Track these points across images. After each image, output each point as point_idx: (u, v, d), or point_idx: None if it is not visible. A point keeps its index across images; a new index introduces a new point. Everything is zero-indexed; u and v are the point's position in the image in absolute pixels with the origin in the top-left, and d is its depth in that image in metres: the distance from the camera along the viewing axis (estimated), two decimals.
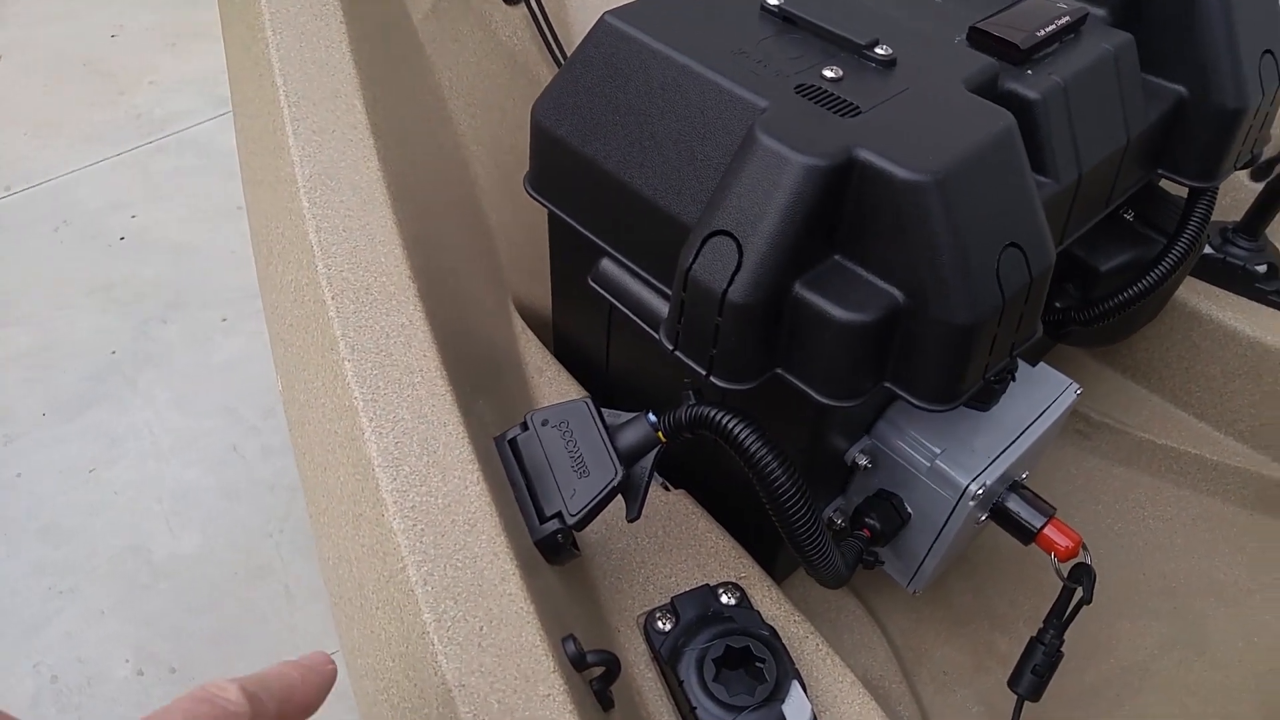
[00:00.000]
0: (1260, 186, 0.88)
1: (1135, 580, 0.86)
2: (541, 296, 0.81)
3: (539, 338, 0.77)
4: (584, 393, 0.72)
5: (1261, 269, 0.89)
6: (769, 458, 0.53)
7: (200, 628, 1.32)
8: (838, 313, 0.51)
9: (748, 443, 0.53)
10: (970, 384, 0.54)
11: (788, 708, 0.53)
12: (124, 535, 1.41)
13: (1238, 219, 0.91)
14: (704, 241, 0.51)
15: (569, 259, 0.72)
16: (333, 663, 0.38)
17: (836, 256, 0.53)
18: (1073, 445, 0.95)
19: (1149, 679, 0.80)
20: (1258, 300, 0.89)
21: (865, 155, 0.50)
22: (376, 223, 0.63)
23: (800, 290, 0.52)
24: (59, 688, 1.25)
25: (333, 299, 0.58)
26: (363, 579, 0.53)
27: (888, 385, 0.55)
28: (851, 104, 0.54)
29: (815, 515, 0.55)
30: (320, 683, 0.37)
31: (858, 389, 0.54)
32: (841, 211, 0.52)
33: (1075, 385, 0.69)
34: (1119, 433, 0.93)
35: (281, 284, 0.65)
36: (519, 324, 0.77)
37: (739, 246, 0.50)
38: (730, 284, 0.50)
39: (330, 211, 0.62)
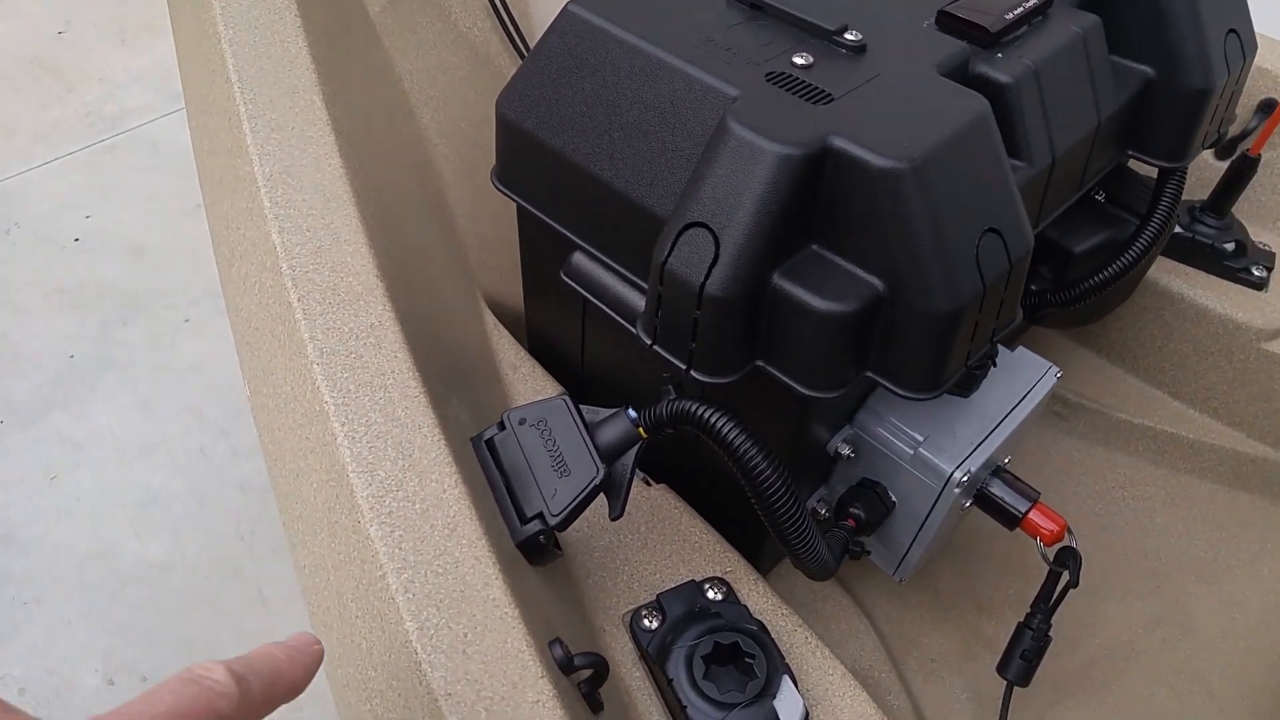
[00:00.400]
0: (1225, 165, 0.89)
1: (1118, 561, 0.87)
2: (513, 292, 0.79)
3: (512, 334, 0.75)
4: (561, 389, 0.71)
5: (1229, 246, 0.89)
6: (752, 451, 0.52)
7: (171, 635, 1.29)
8: (817, 303, 0.50)
9: (731, 437, 0.53)
10: (952, 371, 0.54)
11: (780, 704, 0.53)
12: (89, 543, 1.38)
13: (1204, 197, 0.92)
14: (679, 234, 0.50)
15: (540, 253, 0.70)
16: (319, 643, 0.38)
17: (814, 246, 0.52)
18: (1051, 427, 0.95)
19: (1135, 659, 0.81)
20: (1226, 278, 0.90)
21: (840, 143, 0.49)
22: (340, 221, 0.61)
23: (779, 281, 0.51)
24: (27, 700, 1.22)
25: (299, 301, 0.57)
26: (341, 588, 0.52)
27: (869, 375, 0.54)
28: (824, 91, 0.53)
29: (801, 507, 0.55)
30: (307, 663, 0.37)
31: (840, 379, 0.54)
32: (817, 200, 0.51)
33: (1055, 369, 0.69)
34: (1096, 413, 0.94)
35: (245, 287, 0.64)
36: (491, 321, 0.76)
37: (715, 238, 0.49)
38: (708, 276, 0.49)
39: (292, 211, 0.61)
